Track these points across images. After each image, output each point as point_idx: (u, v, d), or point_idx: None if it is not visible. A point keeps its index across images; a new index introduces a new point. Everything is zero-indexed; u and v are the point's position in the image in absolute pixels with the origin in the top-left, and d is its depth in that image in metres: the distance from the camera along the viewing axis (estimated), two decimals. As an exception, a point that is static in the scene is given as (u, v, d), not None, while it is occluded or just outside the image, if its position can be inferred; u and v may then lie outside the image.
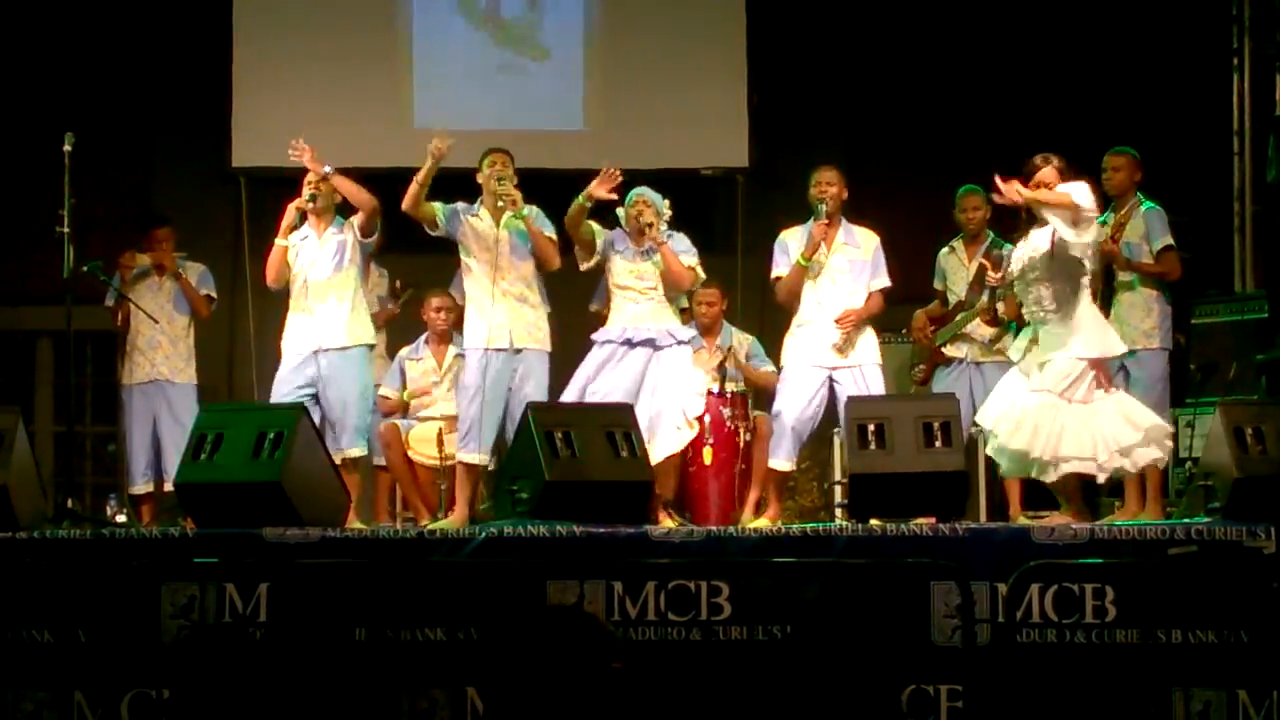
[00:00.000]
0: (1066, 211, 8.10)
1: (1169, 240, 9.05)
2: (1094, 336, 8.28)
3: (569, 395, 8.92)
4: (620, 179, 8.88)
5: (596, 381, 8.88)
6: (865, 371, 8.93)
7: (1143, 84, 11.68)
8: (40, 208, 9.24)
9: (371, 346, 9.24)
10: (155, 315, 10.00)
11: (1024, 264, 8.26)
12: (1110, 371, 8.46)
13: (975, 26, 12.06)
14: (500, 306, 8.84)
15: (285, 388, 8.99)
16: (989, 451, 8.41)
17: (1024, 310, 8.38)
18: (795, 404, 8.91)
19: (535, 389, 8.80)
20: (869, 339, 9.02)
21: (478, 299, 8.93)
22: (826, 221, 8.90)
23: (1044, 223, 8.18)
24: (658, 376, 8.87)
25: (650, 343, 8.91)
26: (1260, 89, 11.33)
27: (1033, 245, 8.23)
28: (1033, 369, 8.21)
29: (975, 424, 9.19)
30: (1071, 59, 11.93)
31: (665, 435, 8.78)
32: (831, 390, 8.92)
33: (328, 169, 9.00)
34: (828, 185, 8.99)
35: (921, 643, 7.06)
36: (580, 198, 8.86)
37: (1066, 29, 11.99)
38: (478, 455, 8.85)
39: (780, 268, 9.05)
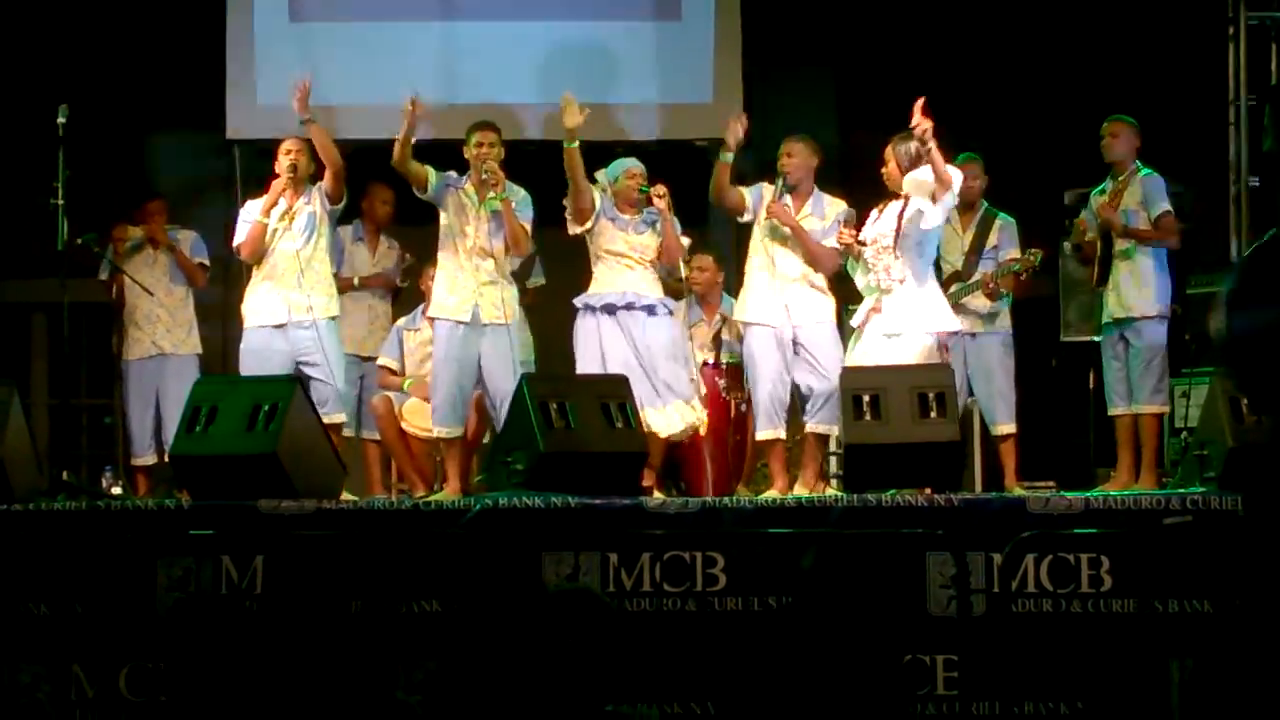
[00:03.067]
0: (936, 184, 8.39)
1: (1167, 206, 9.04)
2: (943, 311, 8.57)
3: (590, 368, 8.93)
4: (574, 104, 8.82)
5: (606, 354, 8.86)
6: (820, 330, 8.90)
7: (1138, 54, 11.65)
8: (34, 180, 9.22)
9: (337, 317, 9.24)
10: (151, 288, 9.98)
11: (877, 234, 8.51)
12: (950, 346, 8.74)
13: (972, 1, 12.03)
14: (470, 280, 8.87)
15: (260, 360, 8.99)
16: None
17: (864, 278, 8.58)
18: (765, 369, 8.88)
19: (507, 364, 8.80)
20: (825, 300, 8.97)
21: (449, 269, 8.96)
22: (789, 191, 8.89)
23: (901, 197, 8.50)
24: (660, 343, 8.86)
25: (650, 309, 8.91)
26: (1256, 59, 11.31)
27: (887, 218, 8.53)
28: (877, 341, 8.42)
29: (971, 395, 9.22)
30: (1068, 28, 11.90)
31: (675, 410, 8.75)
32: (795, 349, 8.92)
33: (310, 116, 8.98)
34: (788, 156, 8.96)
35: (917, 613, 7.07)
36: (565, 141, 8.81)
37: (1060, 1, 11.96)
38: (446, 428, 8.88)
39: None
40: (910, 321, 8.43)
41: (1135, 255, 9.07)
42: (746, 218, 8.99)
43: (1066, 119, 10.86)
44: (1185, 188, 9.96)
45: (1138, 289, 9.03)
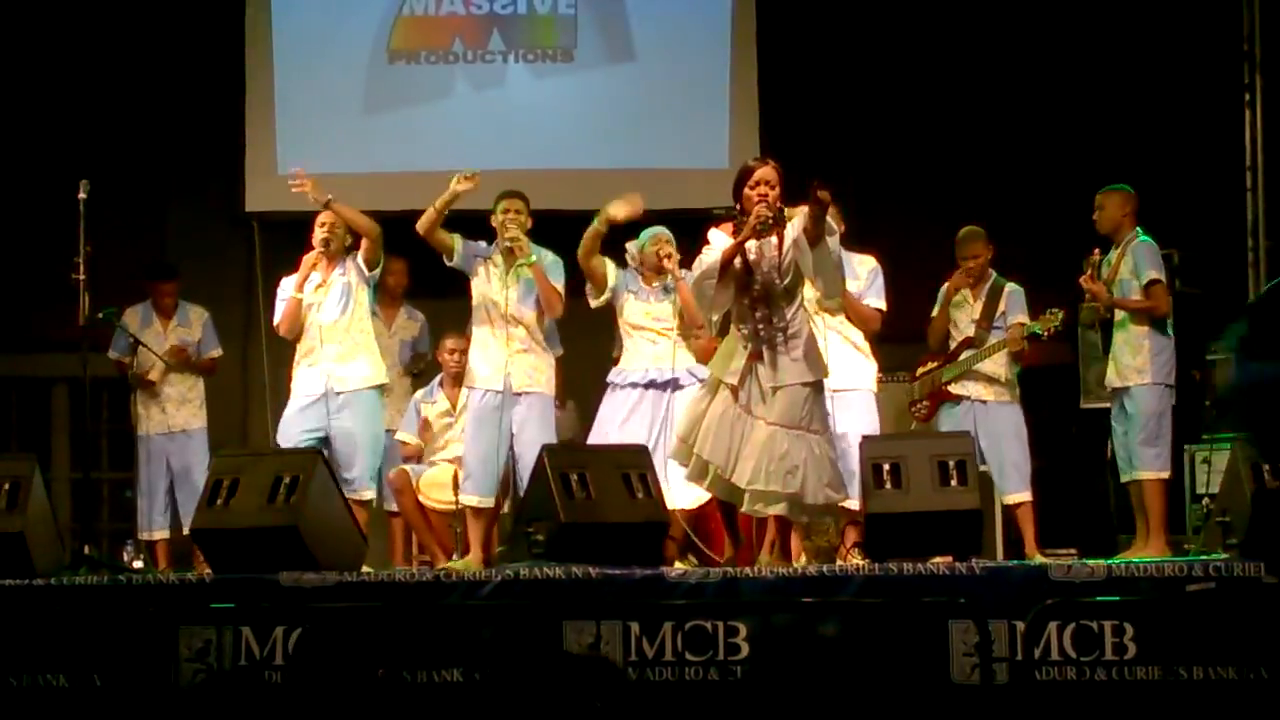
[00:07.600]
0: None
1: (1154, 274, 8.98)
2: (821, 359, 7.99)
3: (595, 440, 8.93)
4: (642, 208, 8.88)
5: (624, 427, 8.87)
6: (859, 397, 8.92)
7: (1155, 121, 11.69)
8: (55, 255, 9.28)
9: (382, 386, 9.23)
10: (159, 364, 10.07)
11: (783, 273, 7.85)
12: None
13: (987, 64, 12.07)
14: (502, 350, 8.89)
15: (293, 431, 9.01)
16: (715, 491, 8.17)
17: (741, 327, 7.92)
18: None
19: (537, 432, 8.80)
20: (865, 366, 8.99)
21: (482, 339, 8.99)
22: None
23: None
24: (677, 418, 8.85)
25: (673, 383, 8.91)
26: (1272, 124, 11.34)
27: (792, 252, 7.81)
28: (755, 396, 7.82)
29: (985, 462, 9.19)
30: (1083, 96, 11.94)
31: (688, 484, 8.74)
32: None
33: (329, 196, 9.01)
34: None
35: (940, 682, 7.04)
36: (595, 222, 8.86)
37: (1078, 66, 11.99)
38: (476, 498, 8.89)
39: None
40: (799, 375, 7.86)
41: (1129, 325, 9.04)
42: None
43: (1081, 186, 10.88)
44: (1179, 252, 9.97)
45: (1131, 357, 9.00)
